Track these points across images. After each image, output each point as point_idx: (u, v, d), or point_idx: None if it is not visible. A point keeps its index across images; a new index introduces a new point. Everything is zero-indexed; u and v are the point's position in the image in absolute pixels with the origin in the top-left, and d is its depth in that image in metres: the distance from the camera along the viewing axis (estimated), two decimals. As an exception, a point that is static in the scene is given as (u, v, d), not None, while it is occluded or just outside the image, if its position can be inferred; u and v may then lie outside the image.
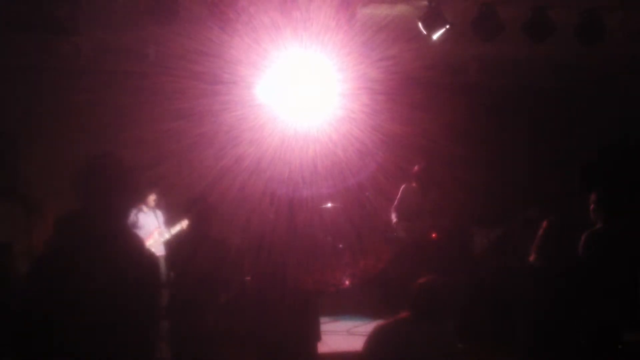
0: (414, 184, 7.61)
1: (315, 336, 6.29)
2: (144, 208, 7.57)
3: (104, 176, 2.70)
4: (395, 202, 7.67)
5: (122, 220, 2.76)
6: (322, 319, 7.06)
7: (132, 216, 7.28)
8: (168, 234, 7.49)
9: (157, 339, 2.81)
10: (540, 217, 7.91)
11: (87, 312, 2.47)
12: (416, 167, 7.62)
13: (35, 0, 6.24)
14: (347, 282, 8.77)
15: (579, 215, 6.06)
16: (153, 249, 7.40)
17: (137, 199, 7.17)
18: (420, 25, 6.44)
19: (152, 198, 7.62)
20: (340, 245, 8.84)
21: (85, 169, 2.72)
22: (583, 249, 5.08)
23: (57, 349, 2.50)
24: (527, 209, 8.00)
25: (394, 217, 7.67)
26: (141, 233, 7.36)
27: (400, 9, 6.57)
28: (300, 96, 6.64)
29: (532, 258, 5.15)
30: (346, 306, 8.30)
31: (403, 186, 7.64)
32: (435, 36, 6.47)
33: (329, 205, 8.70)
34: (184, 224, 7.51)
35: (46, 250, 2.66)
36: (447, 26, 6.39)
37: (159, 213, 7.63)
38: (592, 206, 5.20)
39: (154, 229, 7.52)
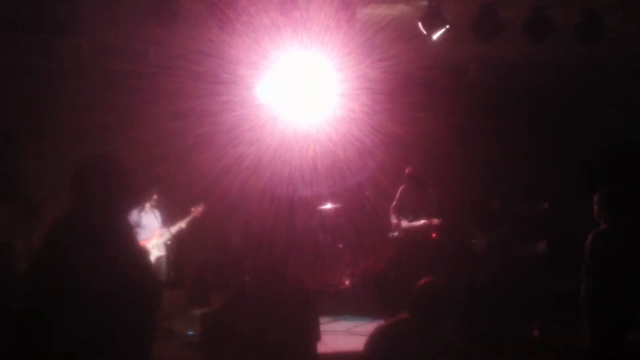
0: (408, 185, 7.73)
1: (315, 336, 6.29)
2: (145, 208, 7.56)
3: (102, 176, 2.69)
4: (394, 203, 7.80)
5: (120, 220, 2.76)
6: (322, 319, 7.07)
7: (133, 216, 7.29)
8: (168, 233, 7.49)
9: (153, 337, 2.81)
10: (542, 220, 7.98)
11: (85, 311, 2.48)
12: (407, 170, 7.74)
13: (35, 0, 6.24)
14: (347, 282, 8.77)
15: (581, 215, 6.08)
16: (154, 249, 7.40)
17: (136, 199, 7.17)
18: (420, 25, 6.44)
19: (152, 198, 7.61)
20: (340, 245, 8.85)
21: (84, 169, 2.72)
22: (589, 249, 5.08)
23: (56, 347, 2.50)
24: (529, 211, 8.01)
25: (393, 218, 7.79)
26: (142, 233, 7.36)
27: (400, 9, 6.57)
28: (300, 96, 6.64)
29: None
30: (346, 306, 8.31)
31: (401, 187, 7.78)
32: (435, 36, 6.47)
33: (329, 205, 8.71)
34: (182, 223, 7.52)
35: (44, 250, 2.65)
36: (447, 26, 6.39)
37: (159, 213, 7.62)
38: (595, 207, 5.21)
39: (155, 229, 7.52)
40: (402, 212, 7.79)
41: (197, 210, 7.56)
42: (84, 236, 2.60)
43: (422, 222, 7.62)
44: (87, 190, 2.67)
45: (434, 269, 6.23)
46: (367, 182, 8.83)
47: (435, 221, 7.54)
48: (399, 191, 7.85)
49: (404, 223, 7.76)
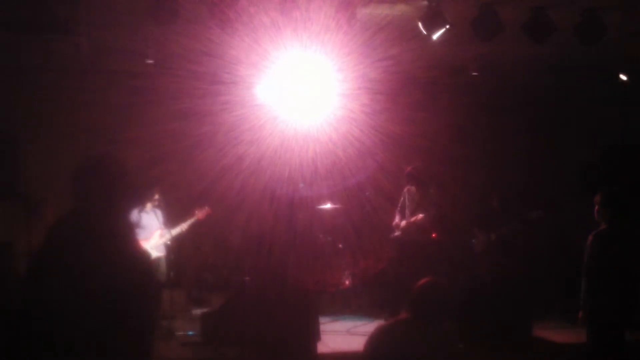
0: (410, 185, 7.75)
1: (315, 336, 6.30)
2: (146, 208, 7.55)
3: (103, 176, 2.69)
4: (399, 204, 7.86)
5: (120, 220, 2.75)
6: (322, 319, 7.07)
7: (134, 216, 7.28)
8: (169, 234, 7.49)
9: (153, 338, 2.81)
10: (542, 220, 7.98)
11: (85, 311, 2.47)
12: (408, 168, 7.74)
13: (35, 0, 6.24)
14: (347, 282, 8.77)
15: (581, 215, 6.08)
16: (154, 250, 7.40)
17: (137, 199, 7.16)
18: (420, 25, 6.44)
19: (153, 198, 7.61)
20: (340, 245, 8.85)
21: (85, 169, 2.72)
22: (590, 249, 5.09)
23: (56, 348, 2.50)
24: (529, 211, 8.00)
25: (396, 218, 7.83)
26: (143, 233, 7.36)
27: (400, 9, 6.57)
28: (300, 96, 6.63)
29: None
30: (346, 306, 8.32)
31: (405, 187, 7.84)
32: (435, 36, 6.47)
33: (329, 205, 8.70)
34: (184, 225, 7.52)
35: (45, 250, 2.65)
36: (447, 26, 6.38)
37: (159, 213, 7.62)
38: (596, 207, 5.21)
39: (155, 229, 7.51)
40: (403, 212, 7.83)
41: (201, 212, 7.55)
42: (84, 236, 2.59)
43: (411, 219, 7.66)
44: (88, 190, 2.67)
45: (434, 269, 6.23)
46: (367, 182, 8.83)
47: (420, 216, 7.57)
48: (403, 192, 7.92)
49: (404, 223, 7.79)
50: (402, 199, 7.85)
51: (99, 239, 2.59)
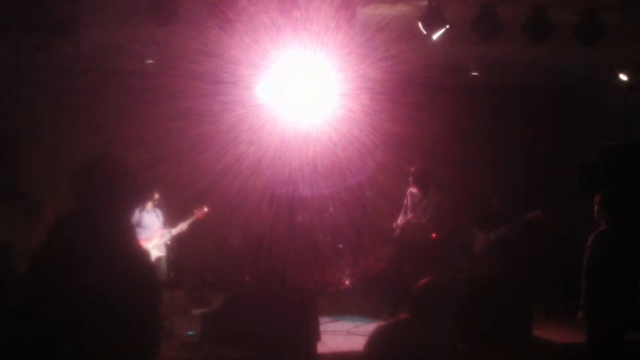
0: (412, 186, 7.77)
1: (315, 336, 6.30)
2: (147, 207, 7.55)
3: (103, 176, 2.69)
4: (403, 206, 7.91)
5: (121, 220, 2.75)
6: (322, 319, 7.08)
7: (135, 216, 7.27)
8: (169, 234, 7.49)
9: (157, 338, 2.80)
10: (542, 220, 7.99)
11: (85, 312, 2.47)
12: (412, 169, 7.78)
13: (35, 0, 6.24)
14: (347, 282, 8.78)
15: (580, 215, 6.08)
16: (155, 249, 7.40)
17: (138, 199, 7.13)
18: (420, 25, 6.44)
19: (154, 197, 7.60)
20: (340, 245, 8.85)
21: (85, 169, 2.72)
22: (590, 250, 5.08)
23: (57, 349, 2.50)
24: (529, 211, 8.00)
25: (398, 220, 7.87)
26: (144, 233, 7.35)
27: (400, 9, 6.57)
28: (300, 96, 6.63)
29: None
30: (346, 306, 8.31)
31: (409, 189, 7.89)
32: (435, 36, 6.47)
33: (330, 209, 8.71)
34: (184, 225, 7.51)
35: (45, 250, 2.65)
36: (447, 26, 6.38)
37: (160, 212, 7.62)
38: (596, 207, 5.21)
39: (156, 229, 7.51)
40: (406, 214, 7.86)
41: (200, 212, 7.54)
42: (85, 236, 2.59)
43: (420, 224, 7.69)
44: (88, 190, 2.67)
45: (434, 269, 6.24)
46: (367, 182, 8.83)
47: (411, 216, 7.65)
48: (407, 193, 7.98)
49: (401, 223, 7.85)
50: (405, 200, 7.89)
51: (99, 239, 2.59)
